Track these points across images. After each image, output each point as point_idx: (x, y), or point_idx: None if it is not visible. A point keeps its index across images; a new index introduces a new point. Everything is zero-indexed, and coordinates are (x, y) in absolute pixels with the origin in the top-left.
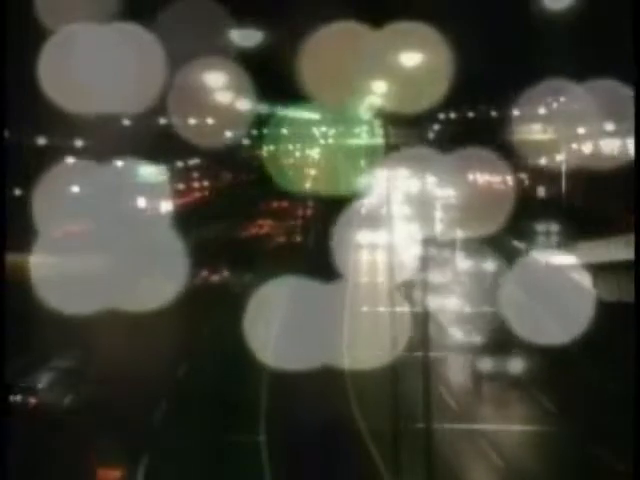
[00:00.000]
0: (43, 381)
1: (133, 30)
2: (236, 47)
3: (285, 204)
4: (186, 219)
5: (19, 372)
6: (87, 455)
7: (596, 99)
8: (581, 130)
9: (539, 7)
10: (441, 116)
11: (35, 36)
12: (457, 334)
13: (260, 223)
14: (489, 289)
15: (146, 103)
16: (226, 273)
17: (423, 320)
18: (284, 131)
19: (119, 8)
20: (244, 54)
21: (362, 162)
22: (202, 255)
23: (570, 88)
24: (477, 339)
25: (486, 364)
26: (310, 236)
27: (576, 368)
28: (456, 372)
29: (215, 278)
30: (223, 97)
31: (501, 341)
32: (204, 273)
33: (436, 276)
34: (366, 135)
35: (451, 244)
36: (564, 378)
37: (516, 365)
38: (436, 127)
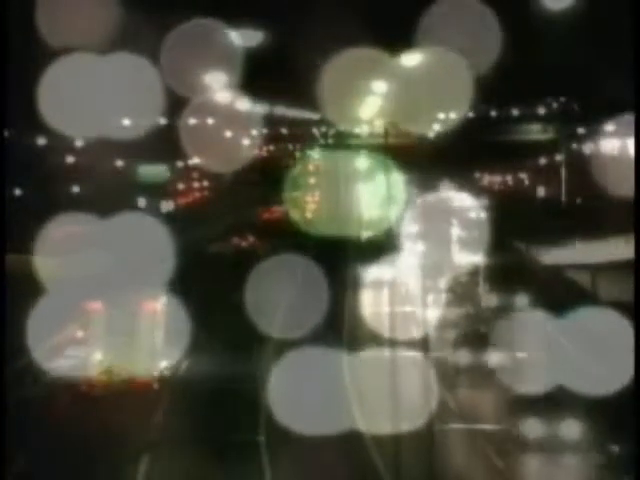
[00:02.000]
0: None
1: (131, 59)
2: (240, 52)
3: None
4: (186, 218)
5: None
6: None
7: None
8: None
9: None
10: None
11: (37, 48)
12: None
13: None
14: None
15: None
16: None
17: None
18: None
19: (120, 27)
20: (248, 58)
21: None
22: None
23: None
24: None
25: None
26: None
27: None
28: None
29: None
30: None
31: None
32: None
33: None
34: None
35: (474, 276)
36: None
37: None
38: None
